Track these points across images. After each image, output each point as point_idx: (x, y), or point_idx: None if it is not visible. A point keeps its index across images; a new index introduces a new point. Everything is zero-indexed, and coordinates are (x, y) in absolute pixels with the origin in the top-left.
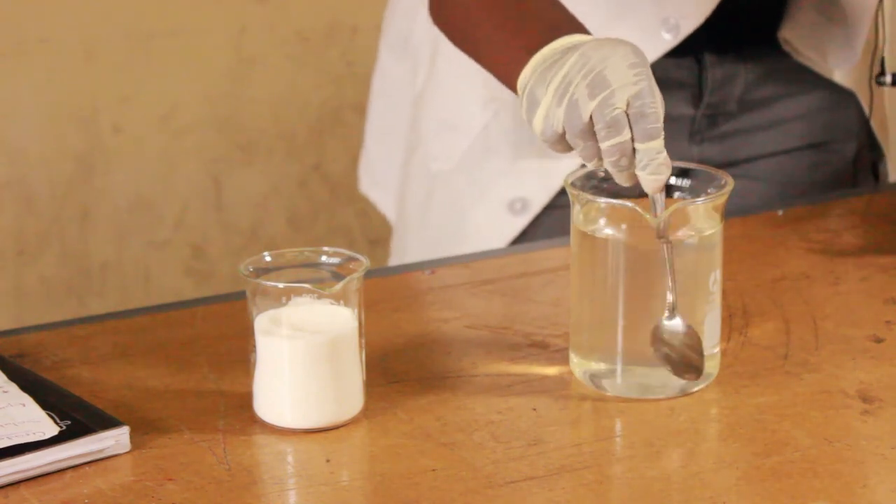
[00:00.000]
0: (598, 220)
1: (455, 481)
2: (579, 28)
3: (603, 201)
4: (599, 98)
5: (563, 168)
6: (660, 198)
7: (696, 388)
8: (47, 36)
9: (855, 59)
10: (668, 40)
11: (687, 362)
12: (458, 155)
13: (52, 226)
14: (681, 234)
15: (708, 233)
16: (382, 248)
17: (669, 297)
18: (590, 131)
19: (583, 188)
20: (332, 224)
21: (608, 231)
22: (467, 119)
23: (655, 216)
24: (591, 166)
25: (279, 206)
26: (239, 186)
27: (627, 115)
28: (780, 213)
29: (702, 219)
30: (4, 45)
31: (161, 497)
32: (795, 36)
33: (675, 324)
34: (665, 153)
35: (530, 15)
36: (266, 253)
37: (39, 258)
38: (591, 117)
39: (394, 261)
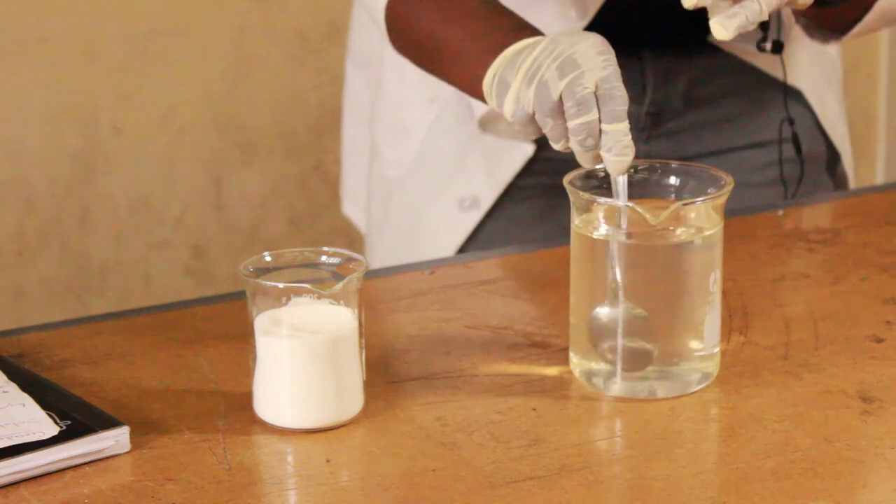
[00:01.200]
0: (597, 220)
1: (455, 481)
2: (538, 32)
3: (602, 201)
4: (569, 78)
5: (509, 164)
6: (623, 181)
7: (696, 388)
8: (47, 36)
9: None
10: (574, 18)
11: (634, 352)
12: (408, 159)
13: (52, 226)
14: (681, 234)
15: (708, 233)
16: None
17: (614, 286)
18: (559, 110)
19: (583, 188)
20: (332, 224)
21: (607, 231)
22: (412, 123)
23: (618, 201)
24: (557, 147)
25: (279, 206)
26: (239, 186)
27: (596, 97)
28: (781, 212)
29: (702, 219)
30: (4, 45)
31: (161, 497)
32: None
33: (613, 311)
34: (630, 136)
35: (491, 24)
36: (266, 253)
37: (39, 258)
38: (560, 97)
39: None
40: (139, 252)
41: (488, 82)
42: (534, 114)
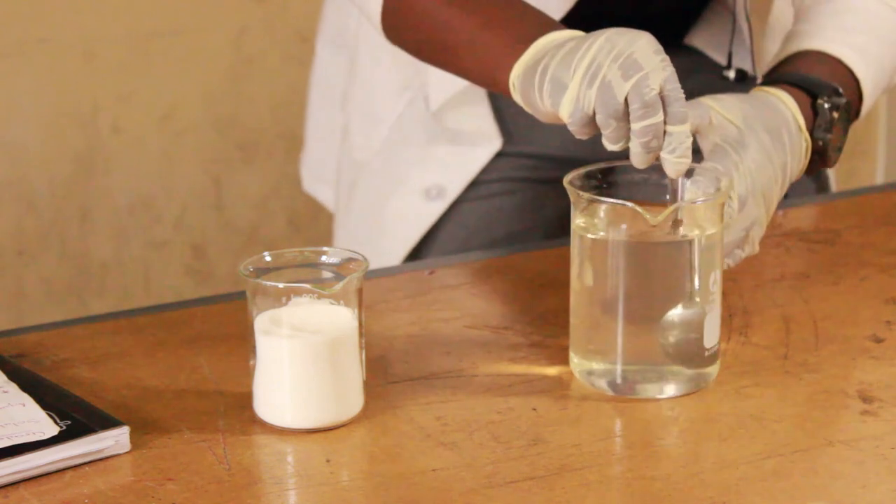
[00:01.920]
0: (597, 221)
1: (455, 481)
2: (560, 25)
3: (603, 201)
4: (635, 79)
5: (477, 156)
6: (683, 182)
7: (696, 388)
8: (47, 36)
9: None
10: None
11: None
12: (377, 144)
13: (52, 226)
14: (681, 233)
15: (708, 233)
16: None
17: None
18: (623, 112)
19: (582, 188)
20: (333, 224)
21: (608, 231)
22: (384, 109)
23: (679, 202)
24: (614, 148)
25: (279, 206)
26: (239, 186)
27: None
28: (781, 212)
29: (702, 219)
30: (4, 45)
31: (161, 497)
32: (702, 41)
33: (689, 313)
34: (692, 138)
35: (515, 14)
36: (266, 253)
37: (39, 258)
38: (625, 99)
39: None
40: (139, 252)
41: (521, 72)
42: (594, 115)
